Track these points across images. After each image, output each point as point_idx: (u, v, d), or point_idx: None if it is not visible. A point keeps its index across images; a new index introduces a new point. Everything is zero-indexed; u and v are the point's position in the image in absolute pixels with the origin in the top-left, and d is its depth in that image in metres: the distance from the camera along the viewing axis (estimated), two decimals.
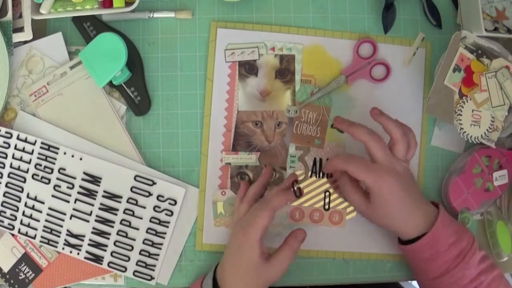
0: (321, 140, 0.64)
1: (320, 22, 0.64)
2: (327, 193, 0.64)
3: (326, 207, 0.63)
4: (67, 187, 0.62)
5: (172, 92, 0.64)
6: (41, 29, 0.63)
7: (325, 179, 0.64)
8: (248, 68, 0.63)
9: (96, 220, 0.62)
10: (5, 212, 0.62)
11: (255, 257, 0.54)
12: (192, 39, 0.64)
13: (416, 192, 0.57)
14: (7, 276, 0.63)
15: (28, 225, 0.62)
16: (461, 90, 0.59)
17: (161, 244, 0.62)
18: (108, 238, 0.62)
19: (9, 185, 0.62)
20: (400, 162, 0.56)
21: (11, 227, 0.62)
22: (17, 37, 0.61)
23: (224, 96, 0.63)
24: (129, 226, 0.62)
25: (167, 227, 0.62)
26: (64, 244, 0.62)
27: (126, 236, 0.62)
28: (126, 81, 0.62)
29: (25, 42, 0.62)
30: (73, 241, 0.62)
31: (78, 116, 0.62)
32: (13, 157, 0.62)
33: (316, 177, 0.64)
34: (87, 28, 0.62)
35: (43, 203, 0.62)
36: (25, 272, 0.63)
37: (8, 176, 0.62)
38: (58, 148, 0.61)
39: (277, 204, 0.55)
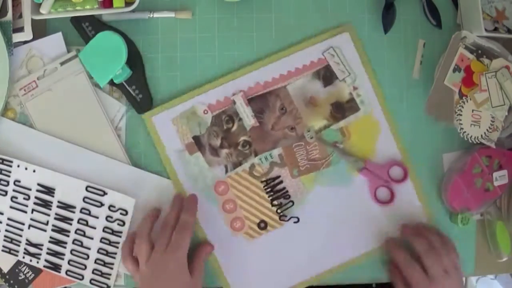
0: (299, 174, 0.63)
1: (320, 22, 0.64)
2: None
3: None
4: (24, 198, 0.62)
5: (172, 92, 0.64)
6: (41, 29, 0.63)
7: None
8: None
9: (52, 230, 0.62)
10: None
11: (187, 278, 0.56)
12: (192, 39, 0.64)
13: None
14: (7, 277, 0.63)
15: None
16: (461, 90, 0.59)
17: (115, 253, 0.62)
18: (65, 247, 0.62)
19: None
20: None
21: None
22: (17, 37, 0.61)
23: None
24: (84, 235, 0.62)
25: (120, 236, 0.62)
26: (24, 253, 0.62)
27: (82, 245, 0.62)
28: (127, 79, 0.62)
29: (25, 42, 0.62)
30: (32, 250, 0.62)
31: (66, 112, 0.62)
32: None
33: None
34: (86, 28, 0.62)
35: (2, 214, 0.62)
36: (25, 272, 0.63)
37: None
38: (11, 162, 0.62)
39: (192, 221, 0.58)
